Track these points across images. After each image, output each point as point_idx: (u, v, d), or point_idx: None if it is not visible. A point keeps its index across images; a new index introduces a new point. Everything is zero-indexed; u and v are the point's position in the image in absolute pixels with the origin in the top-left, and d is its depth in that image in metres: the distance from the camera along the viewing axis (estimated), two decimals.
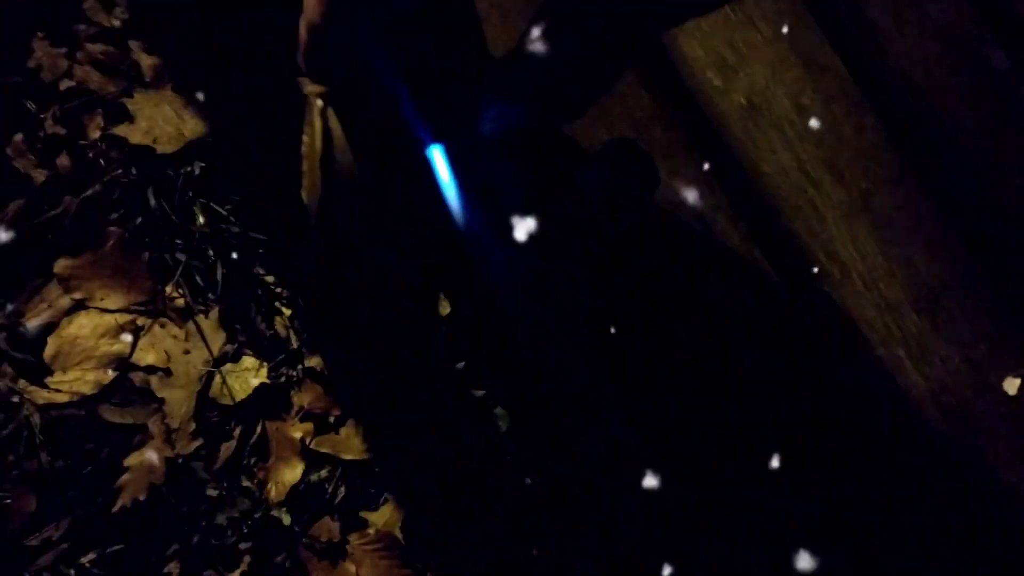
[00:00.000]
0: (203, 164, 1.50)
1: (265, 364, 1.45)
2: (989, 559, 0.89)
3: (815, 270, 0.83)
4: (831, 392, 0.80)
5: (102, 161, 1.50)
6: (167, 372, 1.43)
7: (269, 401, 1.44)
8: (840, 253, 0.85)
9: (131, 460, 1.39)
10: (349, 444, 1.44)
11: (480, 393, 1.47)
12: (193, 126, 1.53)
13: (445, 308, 1.42)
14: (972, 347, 0.87)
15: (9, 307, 1.40)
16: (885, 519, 0.75)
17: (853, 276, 0.84)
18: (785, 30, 0.83)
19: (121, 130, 1.52)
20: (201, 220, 1.47)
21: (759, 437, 0.73)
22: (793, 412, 0.76)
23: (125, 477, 1.38)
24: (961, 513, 0.86)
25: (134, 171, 1.49)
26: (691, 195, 0.68)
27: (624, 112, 0.67)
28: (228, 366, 1.44)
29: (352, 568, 1.39)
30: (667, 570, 0.77)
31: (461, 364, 1.47)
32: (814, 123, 0.81)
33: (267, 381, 1.44)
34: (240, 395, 1.43)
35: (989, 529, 0.87)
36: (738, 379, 0.74)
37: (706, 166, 0.76)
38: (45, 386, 1.40)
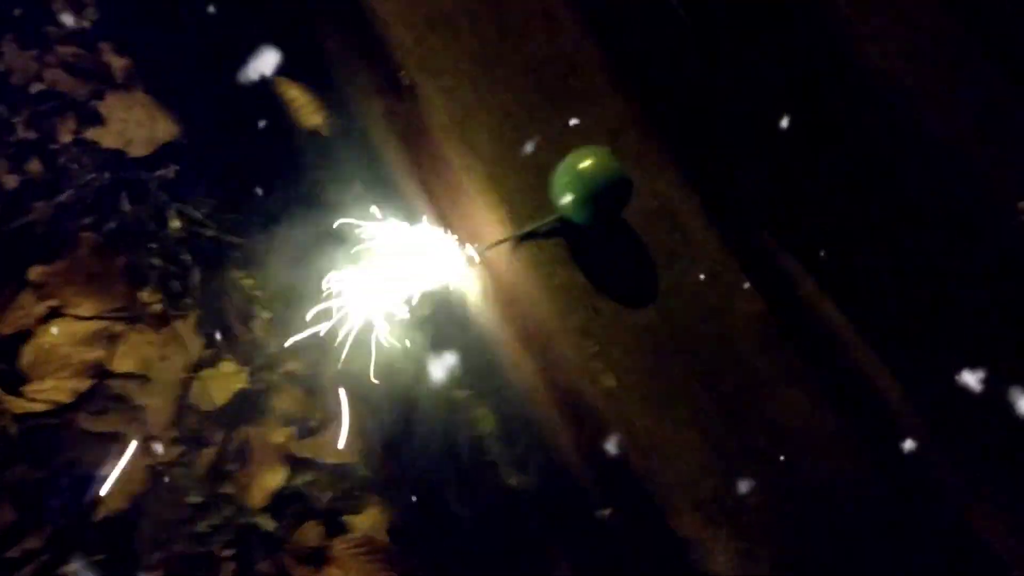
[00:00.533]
0: (177, 167, 1.48)
1: (244, 368, 1.44)
2: None
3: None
4: None
5: (74, 166, 1.48)
6: (145, 379, 1.41)
7: (249, 406, 1.43)
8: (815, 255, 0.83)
9: (111, 469, 1.37)
10: (331, 447, 1.42)
11: (464, 394, 1.46)
12: (165, 128, 1.51)
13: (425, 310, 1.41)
14: None
15: None
16: None
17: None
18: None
19: (93, 133, 1.50)
20: (176, 224, 1.45)
21: None
22: None
23: (105, 486, 1.36)
24: None
25: (107, 175, 1.47)
26: (668, 198, 0.67)
27: (598, 118, 0.66)
28: (207, 371, 1.43)
29: (337, 572, 1.38)
30: None
31: (444, 365, 1.46)
32: (785, 122, 0.80)
33: (247, 386, 1.43)
34: (220, 400, 1.42)
35: None
36: None
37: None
38: (22, 395, 1.38)
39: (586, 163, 0.60)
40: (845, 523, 0.62)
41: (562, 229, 0.63)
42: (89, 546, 1.34)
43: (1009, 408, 0.81)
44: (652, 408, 0.61)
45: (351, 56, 0.86)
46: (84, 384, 1.39)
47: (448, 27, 0.67)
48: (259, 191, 1.47)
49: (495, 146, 0.64)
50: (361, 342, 1.34)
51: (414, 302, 0.88)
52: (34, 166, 1.47)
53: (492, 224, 0.66)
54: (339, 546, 1.39)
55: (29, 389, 1.38)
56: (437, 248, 0.71)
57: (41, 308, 1.40)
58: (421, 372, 1.44)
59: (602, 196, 0.61)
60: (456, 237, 0.74)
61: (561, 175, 0.61)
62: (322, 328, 1.24)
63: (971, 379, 0.88)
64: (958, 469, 0.74)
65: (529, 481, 1.39)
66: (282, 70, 1.55)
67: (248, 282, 1.46)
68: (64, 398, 1.38)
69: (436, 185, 0.75)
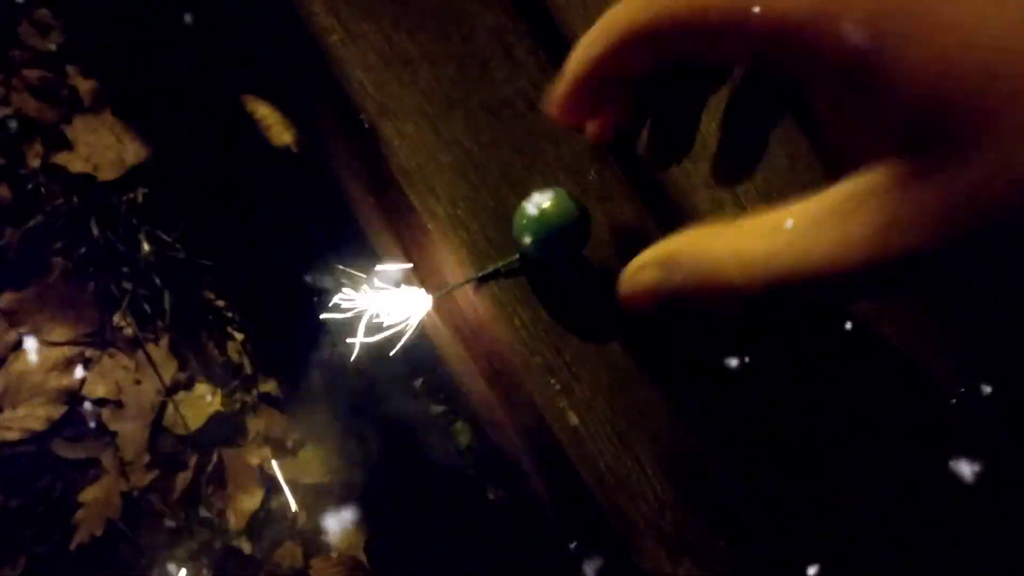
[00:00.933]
0: (146, 190, 1.47)
1: (219, 390, 1.43)
2: None
3: None
4: None
5: (43, 191, 1.47)
6: (118, 404, 1.40)
7: (224, 428, 1.42)
8: None
9: (86, 495, 1.37)
10: (308, 468, 1.42)
11: (440, 409, 1.47)
12: (134, 151, 1.50)
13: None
14: None
15: None
16: None
17: None
18: None
19: (61, 158, 1.49)
20: (146, 247, 1.44)
21: None
22: None
23: (81, 513, 1.36)
24: None
25: (76, 200, 1.46)
26: (629, 233, 0.67)
27: (556, 155, 0.66)
28: (181, 394, 1.42)
29: None
30: None
31: (419, 381, 1.47)
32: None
33: (221, 408, 1.43)
34: (194, 423, 1.41)
35: None
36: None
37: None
38: None
39: (543, 204, 0.60)
40: (806, 551, 0.63)
41: (524, 268, 0.64)
42: (65, 574, 1.34)
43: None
44: (616, 444, 0.62)
45: (313, 94, 0.86)
46: (58, 411, 1.39)
47: (406, 69, 0.68)
48: (231, 212, 1.47)
49: (456, 187, 0.64)
50: (341, 360, 1.35)
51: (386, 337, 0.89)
52: (2, 192, 1.46)
53: (454, 265, 0.66)
54: (318, 566, 1.39)
55: (2, 417, 1.37)
56: (402, 291, 0.71)
57: (12, 335, 1.39)
58: (399, 389, 1.45)
59: (560, 236, 0.61)
60: (419, 279, 0.75)
61: (519, 217, 0.62)
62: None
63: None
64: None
65: (506, 496, 1.40)
66: (251, 89, 1.55)
67: (222, 304, 1.46)
68: (38, 425, 1.38)
69: (398, 226, 0.76)
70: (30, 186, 1.47)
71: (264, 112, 1.53)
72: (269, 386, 1.44)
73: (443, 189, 0.64)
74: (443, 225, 0.64)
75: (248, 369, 1.45)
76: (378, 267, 0.72)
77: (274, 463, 1.41)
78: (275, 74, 1.34)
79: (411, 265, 0.73)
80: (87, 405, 1.40)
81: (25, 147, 1.50)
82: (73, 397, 1.40)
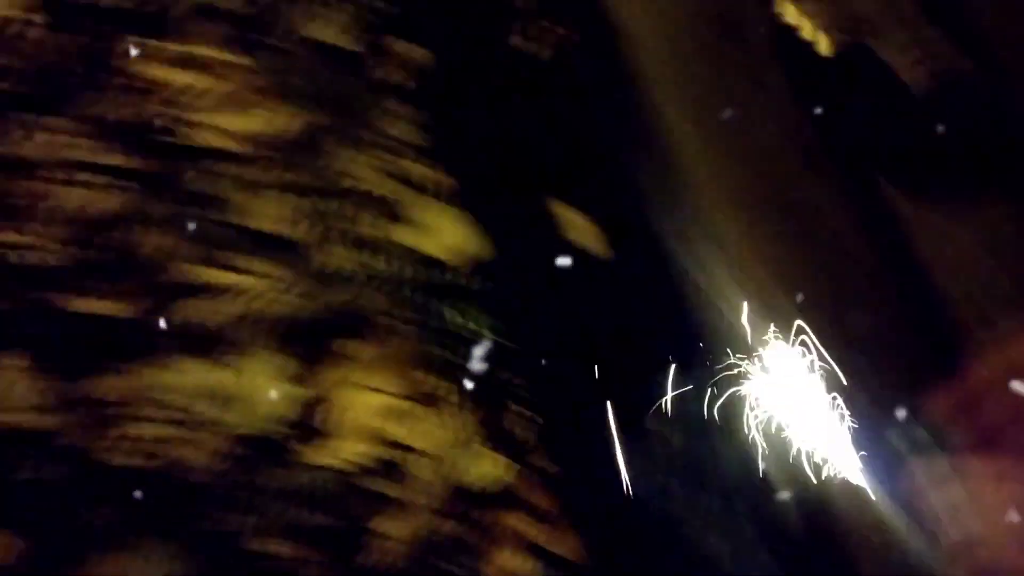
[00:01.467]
0: (480, 278, 1.67)
1: (509, 461, 1.59)
2: None
3: None
4: None
5: (389, 263, 1.67)
6: (424, 454, 1.58)
7: (509, 495, 1.58)
8: None
9: (382, 527, 1.53)
10: (578, 548, 1.55)
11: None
12: (476, 243, 1.69)
13: None
14: None
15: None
16: None
17: None
18: None
19: (408, 237, 1.71)
20: (472, 325, 1.63)
21: None
22: None
23: (373, 542, 1.52)
24: None
25: (421, 276, 1.67)
26: None
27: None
28: (479, 458, 1.60)
29: None
30: None
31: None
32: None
33: (509, 478, 1.58)
34: (486, 486, 1.58)
35: None
36: None
37: None
38: (318, 449, 1.57)
39: None
40: None
41: None
42: None
43: None
44: None
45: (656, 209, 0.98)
46: (373, 450, 1.58)
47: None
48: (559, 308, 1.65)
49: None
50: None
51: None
52: (347, 260, 1.65)
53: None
54: None
55: (325, 445, 1.57)
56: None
57: (352, 378, 1.59)
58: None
59: None
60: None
61: None
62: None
63: None
64: None
65: None
66: (568, 195, 1.74)
67: (519, 382, 1.64)
68: (352, 458, 1.57)
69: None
70: (376, 254, 1.67)
71: (584, 225, 1.72)
72: (553, 468, 1.59)
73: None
74: None
75: (537, 448, 1.61)
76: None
77: (544, 537, 1.55)
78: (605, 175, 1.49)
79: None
80: (398, 450, 1.59)
81: (376, 222, 1.70)
82: (387, 441, 1.59)
